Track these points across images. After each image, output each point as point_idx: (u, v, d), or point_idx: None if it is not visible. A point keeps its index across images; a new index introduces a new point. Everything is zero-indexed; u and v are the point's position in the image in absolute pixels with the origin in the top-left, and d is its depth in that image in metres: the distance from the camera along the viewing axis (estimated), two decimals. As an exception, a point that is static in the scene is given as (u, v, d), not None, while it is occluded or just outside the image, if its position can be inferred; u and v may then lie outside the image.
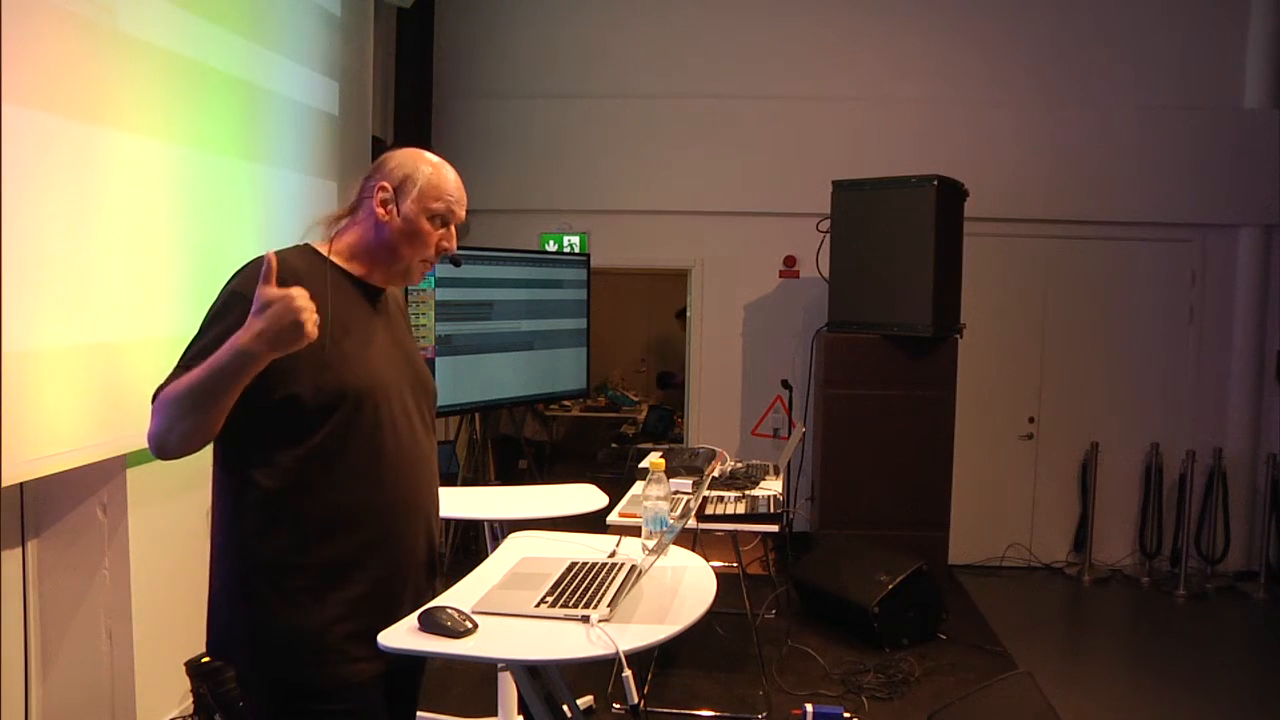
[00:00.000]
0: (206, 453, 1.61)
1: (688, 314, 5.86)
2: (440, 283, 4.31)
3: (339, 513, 1.60)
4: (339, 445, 1.59)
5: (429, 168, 1.72)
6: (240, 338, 1.44)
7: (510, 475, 5.92)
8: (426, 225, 1.69)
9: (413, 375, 1.78)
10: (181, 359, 1.57)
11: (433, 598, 1.77)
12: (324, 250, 1.71)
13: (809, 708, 3.29)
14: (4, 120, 2.09)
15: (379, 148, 4.80)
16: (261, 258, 1.60)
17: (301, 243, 1.73)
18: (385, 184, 1.69)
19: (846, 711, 3.37)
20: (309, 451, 1.57)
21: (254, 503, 1.58)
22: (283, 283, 1.50)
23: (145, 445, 1.54)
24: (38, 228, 2.26)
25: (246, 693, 1.69)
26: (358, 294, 1.71)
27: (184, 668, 2.95)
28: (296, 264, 1.63)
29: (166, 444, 1.50)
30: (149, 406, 1.53)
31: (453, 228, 1.74)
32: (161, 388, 1.52)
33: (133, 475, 2.77)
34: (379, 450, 1.64)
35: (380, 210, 1.68)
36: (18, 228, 2.16)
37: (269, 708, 1.63)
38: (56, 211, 2.33)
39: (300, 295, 1.45)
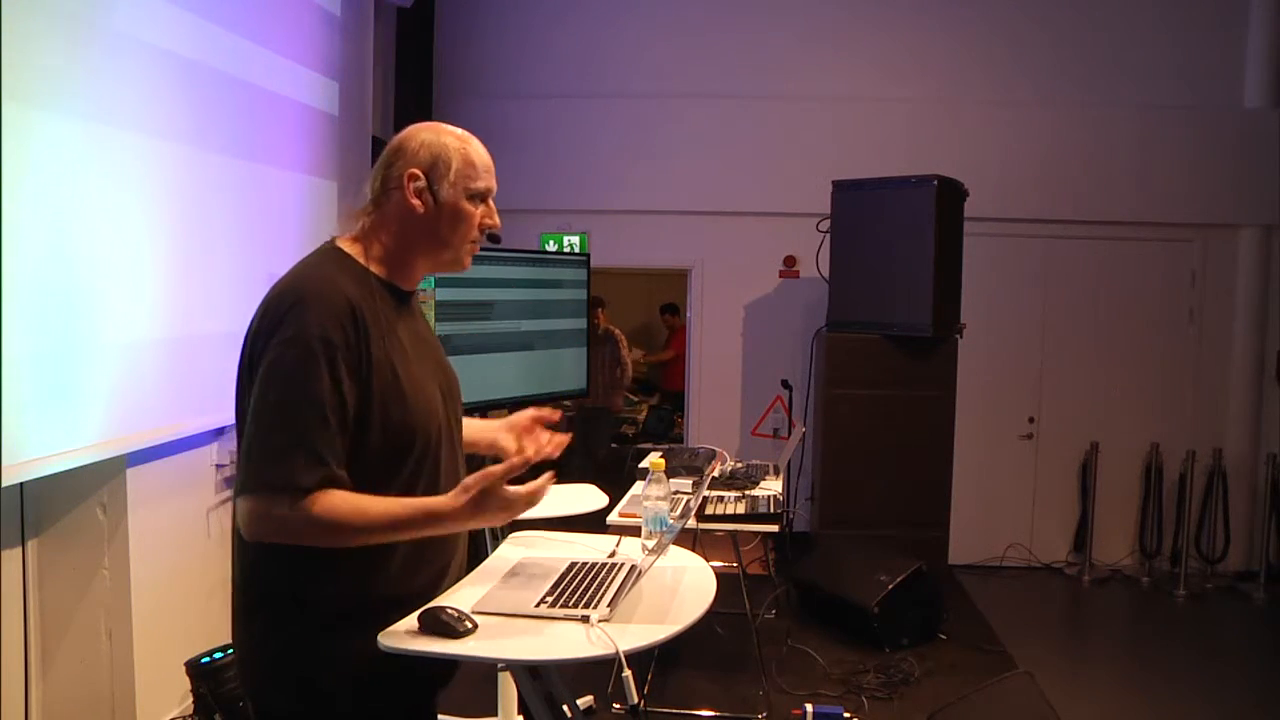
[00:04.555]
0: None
1: (687, 312, 5.86)
2: (440, 282, 4.30)
3: (413, 547, 1.52)
4: (413, 483, 1.51)
5: (457, 143, 1.56)
6: (445, 508, 1.42)
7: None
8: (469, 206, 1.56)
9: (447, 383, 1.67)
10: (280, 429, 1.36)
11: None
12: (357, 255, 1.54)
13: (809, 708, 3.29)
14: (4, 120, 2.09)
15: (379, 148, 4.78)
16: (328, 297, 1.42)
17: (327, 245, 1.56)
18: (415, 170, 1.52)
19: (846, 711, 3.37)
20: (396, 491, 1.47)
21: (319, 549, 1.43)
22: (353, 314, 1.41)
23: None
24: (38, 228, 2.26)
25: None
26: (398, 307, 1.58)
27: (184, 668, 2.95)
28: (349, 287, 1.46)
29: (280, 541, 1.40)
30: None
31: (491, 201, 1.61)
32: (288, 470, 1.34)
33: (133, 475, 2.76)
34: (436, 477, 1.56)
35: (415, 201, 1.53)
36: (17, 228, 2.16)
37: None
38: (56, 211, 2.33)
39: (540, 493, 1.45)
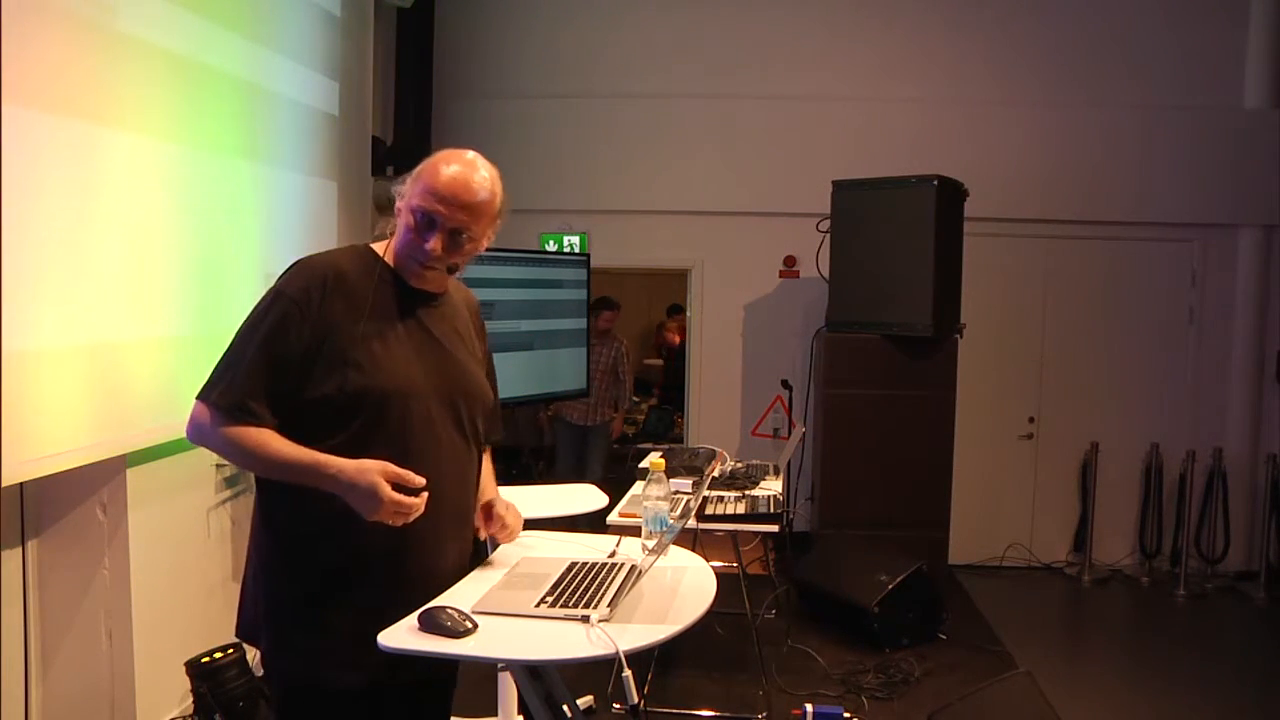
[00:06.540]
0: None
1: (688, 312, 5.86)
2: (440, 283, 4.30)
3: (356, 513, 1.56)
4: (360, 446, 1.57)
5: (435, 163, 1.63)
6: (336, 471, 1.52)
7: (510, 476, 5.92)
8: (410, 220, 1.63)
9: (449, 381, 1.71)
10: (227, 356, 1.60)
11: None
12: (380, 250, 1.70)
13: (809, 708, 3.28)
14: (4, 120, 2.09)
15: (379, 148, 4.80)
16: (313, 265, 1.64)
17: (363, 244, 1.74)
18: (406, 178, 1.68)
19: (846, 711, 3.36)
20: (329, 450, 1.56)
21: (278, 495, 1.61)
22: (324, 281, 1.59)
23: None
24: (37, 227, 2.26)
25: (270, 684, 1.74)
26: (404, 296, 1.68)
27: (184, 668, 2.95)
28: (343, 264, 1.65)
29: (204, 447, 1.62)
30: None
31: (439, 234, 1.61)
32: (216, 391, 1.57)
33: (133, 475, 2.76)
34: (402, 454, 1.59)
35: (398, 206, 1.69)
36: (17, 228, 2.16)
37: (281, 706, 1.65)
38: (56, 211, 2.33)
39: (416, 508, 1.55)
